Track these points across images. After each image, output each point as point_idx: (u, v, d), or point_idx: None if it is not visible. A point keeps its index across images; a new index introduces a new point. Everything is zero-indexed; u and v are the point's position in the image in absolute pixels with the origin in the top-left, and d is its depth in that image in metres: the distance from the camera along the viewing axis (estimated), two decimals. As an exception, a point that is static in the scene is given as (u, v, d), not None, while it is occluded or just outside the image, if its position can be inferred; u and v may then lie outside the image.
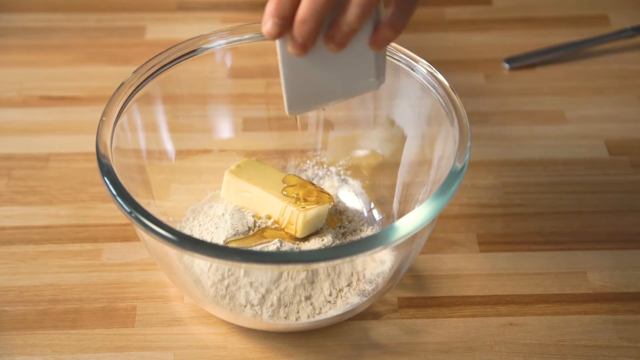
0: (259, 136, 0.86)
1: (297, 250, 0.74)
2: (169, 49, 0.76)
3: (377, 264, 0.74)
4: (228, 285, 0.71)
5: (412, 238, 0.65)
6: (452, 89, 0.72)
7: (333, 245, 0.76)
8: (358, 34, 0.60)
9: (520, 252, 0.80)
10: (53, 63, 1.02)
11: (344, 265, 0.73)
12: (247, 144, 0.86)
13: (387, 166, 0.81)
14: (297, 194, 0.77)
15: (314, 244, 0.75)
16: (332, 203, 0.78)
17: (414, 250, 0.70)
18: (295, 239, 0.75)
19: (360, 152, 0.84)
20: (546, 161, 0.89)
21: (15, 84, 0.98)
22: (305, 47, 0.60)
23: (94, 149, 0.68)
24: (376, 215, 0.81)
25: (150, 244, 0.69)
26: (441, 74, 0.73)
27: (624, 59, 1.03)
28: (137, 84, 0.73)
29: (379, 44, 0.61)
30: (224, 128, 0.84)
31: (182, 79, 0.78)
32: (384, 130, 0.82)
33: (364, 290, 0.73)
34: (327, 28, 0.60)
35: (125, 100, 0.72)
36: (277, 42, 0.61)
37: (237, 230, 0.75)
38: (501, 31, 1.08)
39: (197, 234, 0.77)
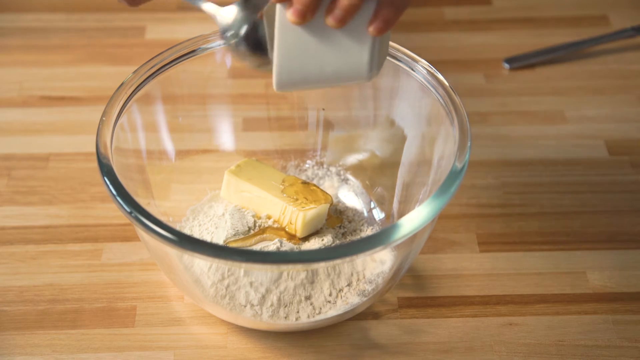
0: (259, 136, 0.86)
1: (297, 250, 0.74)
2: (169, 49, 0.76)
3: (377, 264, 0.74)
4: (228, 285, 0.71)
5: (412, 238, 0.65)
6: (452, 89, 0.72)
7: (333, 245, 0.76)
8: (359, 15, 0.59)
9: (520, 252, 0.80)
10: (53, 63, 1.02)
11: (344, 265, 0.73)
12: (247, 144, 0.86)
13: (387, 166, 0.81)
14: (297, 194, 0.77)
15: (314, 244, 0.75)
16: (331, 203, 0.78)
17: (414, 250, 0.70)
18: (296, 239, 0.76)
19: (360, 153, 0.84)
20: (546, 161, 0.89)
21: (15, 84, 0.98)
22: (304, 15, 0.59)
23: (94, 149, 0.68)
24: (376, 215, 0.81)
25: (150, 244, 0.69)
26: (441, 74, 0.73)
27: (624, 59, 1.03)
28: (137, 84, 0.73)
29: (378, 25, 0.60)
30: (224, 128, 0.84)
31: (182, 79, 0.78)
32: (383, 130, 0.82)
33: (364, 290, 0.73)
34: (329, 2, 0.59)
35: (125, 100, 0.72)
36: (277, 8, 0.60)
37: (237, 230, 0.75)
38: (501, 31, 1.08)
39: (197, 234, 0.77)
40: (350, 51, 0.62)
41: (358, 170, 0.84)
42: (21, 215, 0.83)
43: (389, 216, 0.80)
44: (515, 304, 0.76)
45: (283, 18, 0.60)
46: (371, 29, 0.60)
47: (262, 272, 0.70)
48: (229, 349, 0.72)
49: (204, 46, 0.77)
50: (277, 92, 0.82)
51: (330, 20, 0.59)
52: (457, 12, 1.10)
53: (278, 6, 0.60)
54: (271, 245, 0.74)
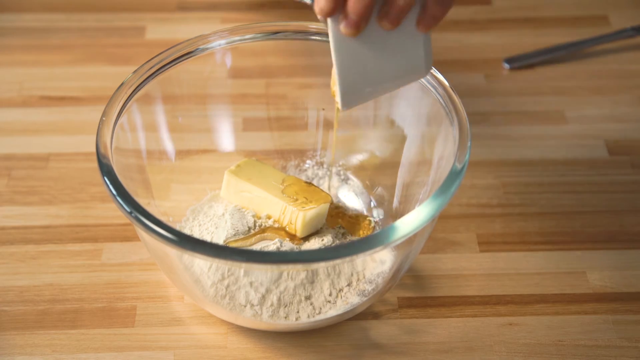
0: (259, 136, 0.86)
1: (297, 250, 0.74)
2: (169, 49, 0.76)
3: (377, 264, 0.74)
4: (228, 285, 0.71)
5: (412, 238, 0.65)
6: (452, 89, 0.72)
7: (333, 245, 0.76)
8: (408, 15, 0.60)
9: (520, 252, 0.80)
10: (53, 63, 1.02)
11: (344, 265, 0.73)
12: (247, 144, 0.86)
13: (387, 166, 0.81)
14: (297, 194, 0.77)
15: (314, 244, 0.75)
16: (331, 203, 0.78)
17: (414, 250, 0.70)
18: (296, 239, 0.76)
19: (360, 153, 0.84)
20: (546, 161, 0.89)
21: (15, 84, 0.98)
22: (358, 25, 0.59)
23: (94, 149, 0.68)
24: (376, 215, 0.81)
25: (150, 244, 0.69)
26: (441, 74, 0.73)
27: (624, 59, 1.03)
28: (137, 84, 0.73)
29: (427, 22, 0.61)
30: (224, 128, 0.84)
31: (182, 79, 0.78)
32: (383, 130, 0.82)
33: (364, 290, 0.73)
34: (380, 6, 0.60)
35: (125, 100, 0.72)
36: (330, 25, 0.60)
37: (237, 230, 0.75)
38: (501, 31, 1.08)
39: (197, 234, 0.77)
40: (406, 50, 0.63)
41: (358, 170, 0.84)
42: (21, 215, 0.83)
43: (389, 216, 0.80)
44: (515, 304, 0.76)
45: (337, 34, 0.61)
46: (420, 26, 0.61)
47: (262, 272, 0.70)
48: (229, 349, 0.72)
49: (204, 46, 0.77)
50: (277, 92, 0.82)
51: (386, 24, 0.60)
52: (457, 12, 1.10)
53: (330, 24, 0.60)
54: (271, 245, 0.74)
